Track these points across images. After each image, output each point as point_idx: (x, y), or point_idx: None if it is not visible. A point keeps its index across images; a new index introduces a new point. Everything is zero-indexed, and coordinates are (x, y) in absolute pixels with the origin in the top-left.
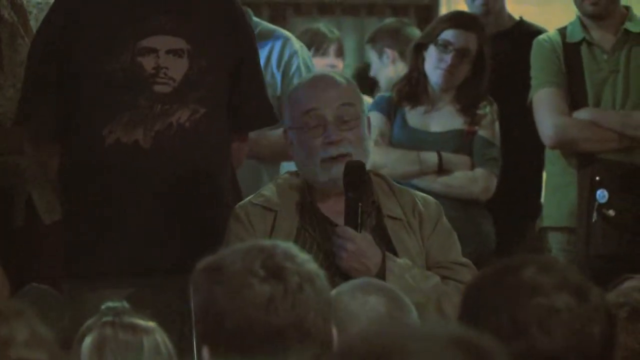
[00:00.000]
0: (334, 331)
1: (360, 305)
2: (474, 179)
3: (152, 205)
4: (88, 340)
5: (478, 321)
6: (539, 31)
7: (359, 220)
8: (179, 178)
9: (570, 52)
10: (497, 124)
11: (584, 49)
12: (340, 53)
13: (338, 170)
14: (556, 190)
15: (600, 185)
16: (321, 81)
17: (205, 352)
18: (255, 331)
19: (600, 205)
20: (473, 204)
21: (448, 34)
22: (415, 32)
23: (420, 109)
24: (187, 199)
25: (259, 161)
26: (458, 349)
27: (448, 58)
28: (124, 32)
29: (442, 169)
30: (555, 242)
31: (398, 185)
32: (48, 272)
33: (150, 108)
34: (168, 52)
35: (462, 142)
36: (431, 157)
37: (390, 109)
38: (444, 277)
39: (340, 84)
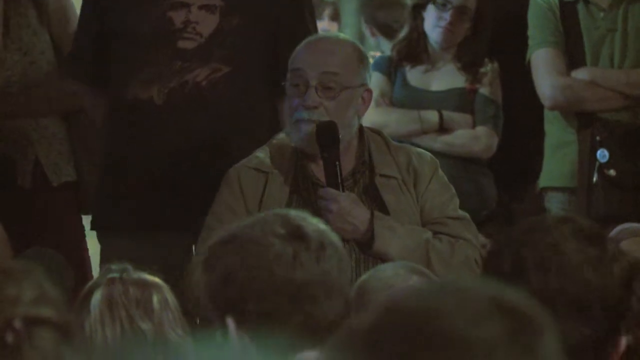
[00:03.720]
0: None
1: (402, 281)
2: (475, 137)
3: (161, 162)
4: (97, 297)
5: (489, 265)
6: None
7: (340, 180)
8: (189, 136)
9: (567, 10)
10: (498, 82)
11: (580, 7)
12: (335, 17)
13: (306, 132)
14: (556, 150)
15: (600, 145)
16: (317, 44)
17: (230, 323)
18: (284, 289)
19: (601, 165)
20: (474, 162)
21: None
22: (401, 1)
23: (421, 68)
24: (195, 158)
25: None
26: (499, 313)
27: (447, 15)
28: None
29: (443, 128)
30: (556, 202)
31: (395, 143)
32: (54, 235)
33: (169, 65)
34: (200, 7)
35: (463, 100)
36: (432, 115)
37: (391, 69)
38: (438, 233)
39: (335, 50)
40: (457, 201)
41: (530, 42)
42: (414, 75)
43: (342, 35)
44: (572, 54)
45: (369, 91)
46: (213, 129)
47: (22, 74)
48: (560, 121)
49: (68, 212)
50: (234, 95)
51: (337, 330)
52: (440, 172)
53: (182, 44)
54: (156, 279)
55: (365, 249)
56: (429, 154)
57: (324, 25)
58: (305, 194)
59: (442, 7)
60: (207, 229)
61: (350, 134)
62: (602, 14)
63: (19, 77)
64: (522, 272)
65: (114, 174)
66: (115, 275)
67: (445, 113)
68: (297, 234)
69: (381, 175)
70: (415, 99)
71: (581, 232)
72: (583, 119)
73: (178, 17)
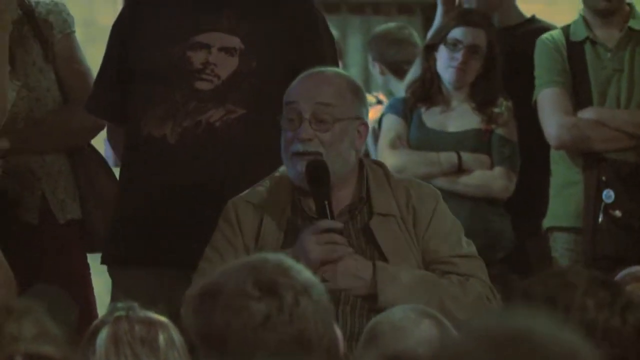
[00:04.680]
0: (339, 334)
1: (414, 323)
2: (493, 178)
3: (173, 200)
4: (103, 335)
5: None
6: (546, 28)
7: (330, 218)
8: (201, 175)
9: (573, 50)
10: (513, 121)
11: (587, 47)
12: (339, 55)
13: (300, 169)
14: (562, 190)
15: (606, 185)
16: (311, 77)
17: None
18: (257, 351)
19: (607, 206)
20: (490, 203)
21: (456, 32)
22: (412, 39)
23: (436, 109)
24: (206, 197)
25: None
26: None
27: (458, 55)
28: (181, 26)
29: (461, 169)
30: (561, 243)
31: (397, 176)
32: (59, 271)
33: (184, 104)
34: (221, 49)
35: (479, 141)
36: (451, 157)
37: (407, 111)
38: (445, 273)
39: (327, 82)
40: (462, 233)
41: (537, 81)
42: (430, 117)
43: (337, 69)
44: (578, 93)
45: (365, 125)
46: (225, 168)
47: (27, 110)
48: (566, 161)
49: (73, 249)
50: (248, 136)
51: None
52: (442, 204)
53: (199, 84)
54: (162, 318)
55: (371, 302)
56: (429, 186)
57: None
58: (301, 228)
59: (453, 47)
60: (205, 260)
61: (346, 168)
62: (608, 54)
63: (25, 113)
64: (531, 305)
65: (125, 208)
66: (122, 313)
67: (463, 154)
68: (269, 293)
69: (379, 214)
70: (431, 141)
71: (595, 277)
72: (589, 159)
73: (197, 57)
